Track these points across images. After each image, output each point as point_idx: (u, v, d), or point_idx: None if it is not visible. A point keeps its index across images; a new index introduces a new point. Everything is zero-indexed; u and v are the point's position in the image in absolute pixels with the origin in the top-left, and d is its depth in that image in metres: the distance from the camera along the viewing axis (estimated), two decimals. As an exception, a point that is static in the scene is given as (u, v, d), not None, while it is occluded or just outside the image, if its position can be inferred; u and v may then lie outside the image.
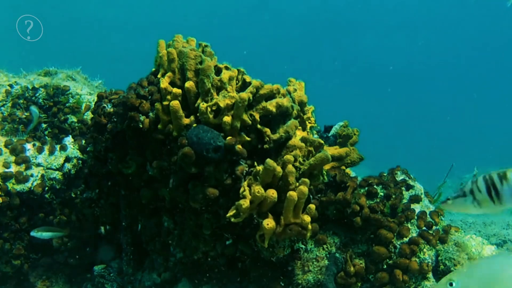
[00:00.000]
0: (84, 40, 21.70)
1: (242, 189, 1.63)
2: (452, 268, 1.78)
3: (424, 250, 1.81)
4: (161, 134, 1.79)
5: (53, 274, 2.42)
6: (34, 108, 2.53)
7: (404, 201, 1.91)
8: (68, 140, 2.50)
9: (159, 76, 1.89)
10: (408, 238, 1.82)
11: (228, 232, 1.83)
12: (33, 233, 2.22)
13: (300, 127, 1.93)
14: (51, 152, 2.41)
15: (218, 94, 1.75)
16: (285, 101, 1.75)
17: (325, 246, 1.85)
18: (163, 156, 1.83)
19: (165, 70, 1.86)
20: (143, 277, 2.16)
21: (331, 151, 1.97)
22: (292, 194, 1.55)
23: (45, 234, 2.24)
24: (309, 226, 1.64)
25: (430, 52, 23.16)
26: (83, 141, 2.36)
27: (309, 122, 2.01)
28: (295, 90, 1.98)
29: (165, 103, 1.76)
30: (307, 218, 1.62)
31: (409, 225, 1.85)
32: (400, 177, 2.00)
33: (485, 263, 1.19)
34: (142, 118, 1.84)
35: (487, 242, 1.93)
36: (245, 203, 1.58)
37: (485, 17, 20.55)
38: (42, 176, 2.32)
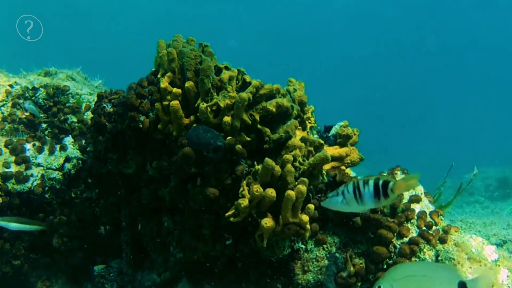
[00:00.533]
0: (84, 40, 21.70)
1: (241, 189, 1.63)
2: (452, 268, 1.78)
3: (424, 250, 1.81)
4: (161, 134, 1.79)
5: (53, 274, 2.42)
6: (30, 105, 2.50)
7: (404, 201, 1.91)
8: (68, 140, 2.50)
9: (159, 76, 1.89)
10: (408, 238, 1.82)
11: (228, 232, 1.83)
12: None
13: (300, 127, 1.93)
14: (51, 152, 2.41)
15: (218, 94, 1.75)
16: (285, 101, 1.75)
17: (325, 246, 1.85)
18: (163, 156, 1.83)
19: (165, 70, 1.86)
20: (143, 277, 2.16)
21: (331, 151, 1.97)
22: (290, 193, 1.55)
23: (12, 225, 2.10)
24: (308, 226, 1.64)
25: (431, 51, 23.16)
26: (83, 141, 2.36)
27: (309, 122, 2.01)
28: (295, 90, 1.98)
29: (165, 103, 1.76)
30: (305, 218, 1.62)
31: (409, 225, 1.85)
32: (400, 177, 2.00)
33: (403, 267, 1.34)
34: (142, 118, 1.85)
35: (487, 242, 1.93)
36: (244, 202, 1.59)
37: (478, 16, 20.54)
38: (42, 176, 2.32)
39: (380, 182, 1.18)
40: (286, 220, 1.61)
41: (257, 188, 1.57)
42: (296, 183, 1.62)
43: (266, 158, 1.58)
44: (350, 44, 23.15)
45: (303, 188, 1.58)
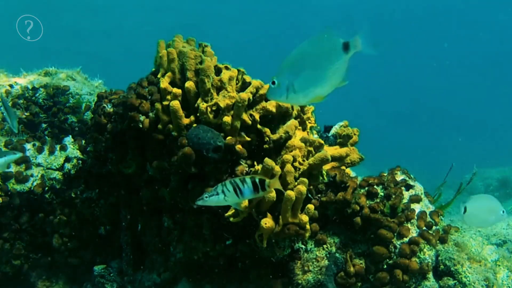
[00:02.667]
0: (84, 40, 21.71)
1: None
2: (452, 268, 1.78)
3: (424, 250, 1.81)
4: (161, 134, 1.79)
5: (53, 274, 2.42)
6: None
7: (404, 201, 1.91)
8: (68, 140, 2.49)
9: (159, 76, 1.89)
10: (408, 238, 1.82)
11: (228, 232, 1.83)
12: None
13: (300, 127, 1.93)
14: (51, 152, 2.41)
15: (218, 94, 1.75)
16: (285, 101, 1.75)
17: (325, 246, 1.85)
18: (163, 156, 1.83)
19: (165, 70, 1.86)
20: (143, 277, 2.16)
21: (331, 151, 1.97)
22: (290, 193, 1.55)
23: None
24: (307, 226, 1.64)
25: (431, 51, 23.16)
26: (83, 141, 2.36)
27: (309, 122, 2.01)
28: (295, 90, 1.98)
29: (165, 103, 1.76)
30: (305, 218, 1.62)
31: (409, 225, 1.85)
32: (400, 177, 2.00)
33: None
34: (142, 118, 1.85)
35: (487, 242, 1.93)
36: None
37: (480, 15, 20.54)
38: (42, 176, 2.32)
39: (257, 179, 1.43)
40: (286, 220, 1.61)
41: (257, 188, 1.57)
42: (296, 183, 1.62)
43: (266, 158, 1.58)
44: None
45: (302, 188, 1.58)
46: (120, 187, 2.11)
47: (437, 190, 2.24)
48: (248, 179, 1.43)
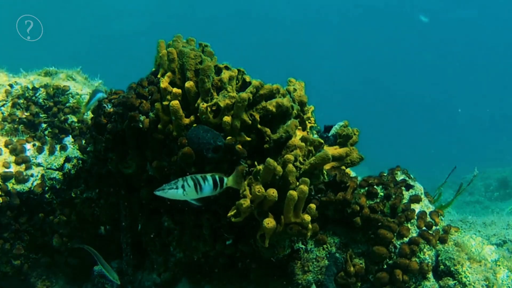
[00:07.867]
0: (84, 40, 21.71)
1: (242, 189, 1.62)
2: (452, 268, 1.78)
3: (424, 250, 1.81)
4: (161, 134, 1.79)
5: (53, 274, 2.42)
6: None
7: (404, 201, 1.91)
8: (68, 140, 2.49)
9: (159, 76, 1.89)
10: (408, 238, 1.82)
11: (228, 232, 1.83)
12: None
13: (300, 127, 1.93)
14: (51, 152, 2.41)
15: (218, 94, 1.75)
16: (285, 101, 1.75)
17: (325, 246, 1.85)
18: (163, 156, 1.83)
19: (165, 70, 1.86)
20: (143, 277, 2.16)
21: (331, 151, 1.97)
22: (293, 193, 1.55)
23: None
24: (310, 226, 1.63)
25: (430, 52, 23.16)
26: (83, 141, 2.36)
27: (309, 122, 2.01)
28: (295, 90, 1.98)
29: (165, 103, 1.76)
30: (307, 218, 1.62)
31: (409, 225, 1.85)
32: (400, 177, 2.00)
33: None
34: (142, 118, 1.85)
35: (487, 242, 1.93)
36: (245, 202, 1.58)
37: (481, 15, 20.53)
38: (42, 176, 2.32)
39: (217, 177, 1.53)
40: (288, 220, 1.61)
41: (259, 188, 1.57)
42: (298, 183, 1.62)
43: (268, 158, 1.57)
44: (350, 44, 23.16)
45: (305, 188, 1.57)
46: (120, 187, 2.11)
47: (437, 190, 2.24)
48: (209, 176, 1.51)
